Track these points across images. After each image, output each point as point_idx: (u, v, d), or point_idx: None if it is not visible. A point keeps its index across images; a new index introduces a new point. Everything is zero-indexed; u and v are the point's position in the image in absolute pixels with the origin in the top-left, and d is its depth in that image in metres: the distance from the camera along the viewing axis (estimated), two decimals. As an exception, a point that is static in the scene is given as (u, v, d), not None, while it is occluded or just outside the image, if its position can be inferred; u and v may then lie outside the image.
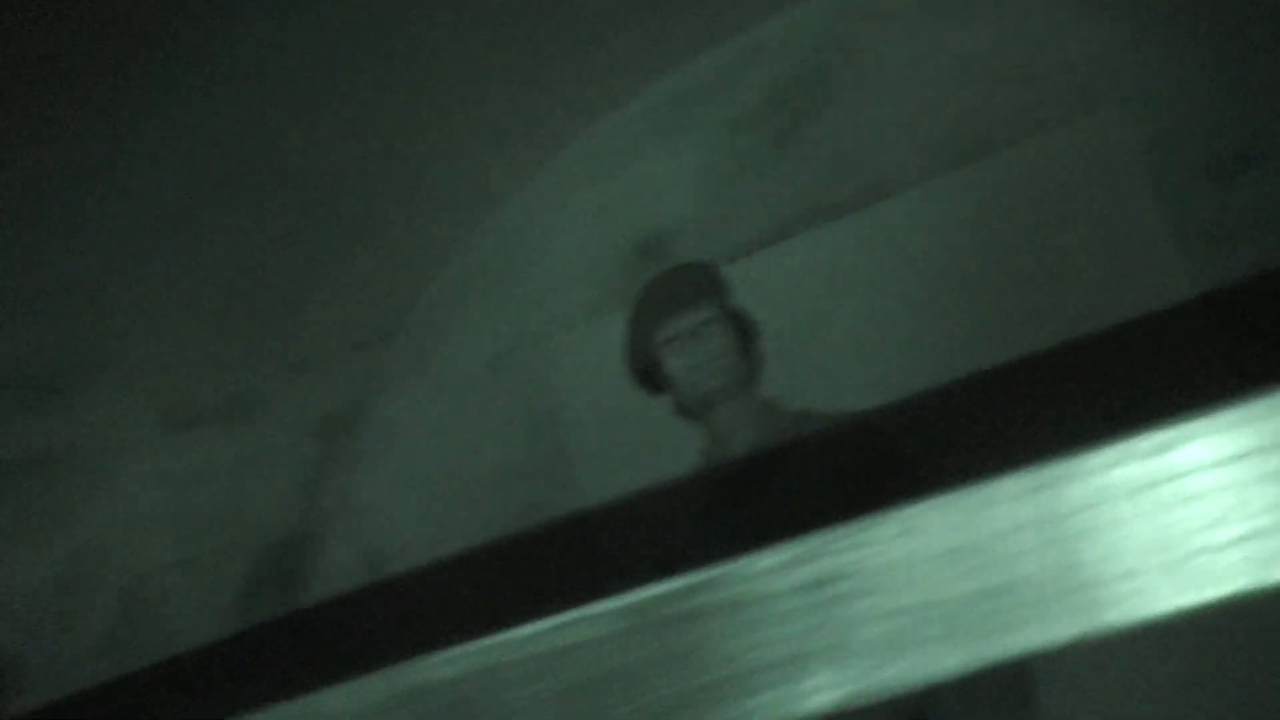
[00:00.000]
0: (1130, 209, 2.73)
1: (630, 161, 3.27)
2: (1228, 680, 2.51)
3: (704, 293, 2.47)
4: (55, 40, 1.81)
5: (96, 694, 2.66)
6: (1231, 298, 2.57)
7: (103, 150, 2.19)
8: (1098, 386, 2.52)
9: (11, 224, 2.17)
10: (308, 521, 3.41)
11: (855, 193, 3.02)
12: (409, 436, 3.50)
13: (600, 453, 3.25)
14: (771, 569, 0.49)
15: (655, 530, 2.49)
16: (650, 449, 3.04)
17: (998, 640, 0.45)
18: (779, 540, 0.49)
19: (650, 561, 2.48)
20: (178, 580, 3.02)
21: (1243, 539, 0.44)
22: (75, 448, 2.71)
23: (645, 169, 3.26)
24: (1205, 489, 0.44)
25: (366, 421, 3.48)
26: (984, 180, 2.85)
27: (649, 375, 2.53)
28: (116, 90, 2.05)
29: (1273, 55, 2.64)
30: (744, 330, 2.51)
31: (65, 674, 2.73)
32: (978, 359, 2.73)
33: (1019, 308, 2.77)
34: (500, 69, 2.74)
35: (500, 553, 3.24)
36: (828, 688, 0.48)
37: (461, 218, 3.33)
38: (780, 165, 3.12)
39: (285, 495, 3.31)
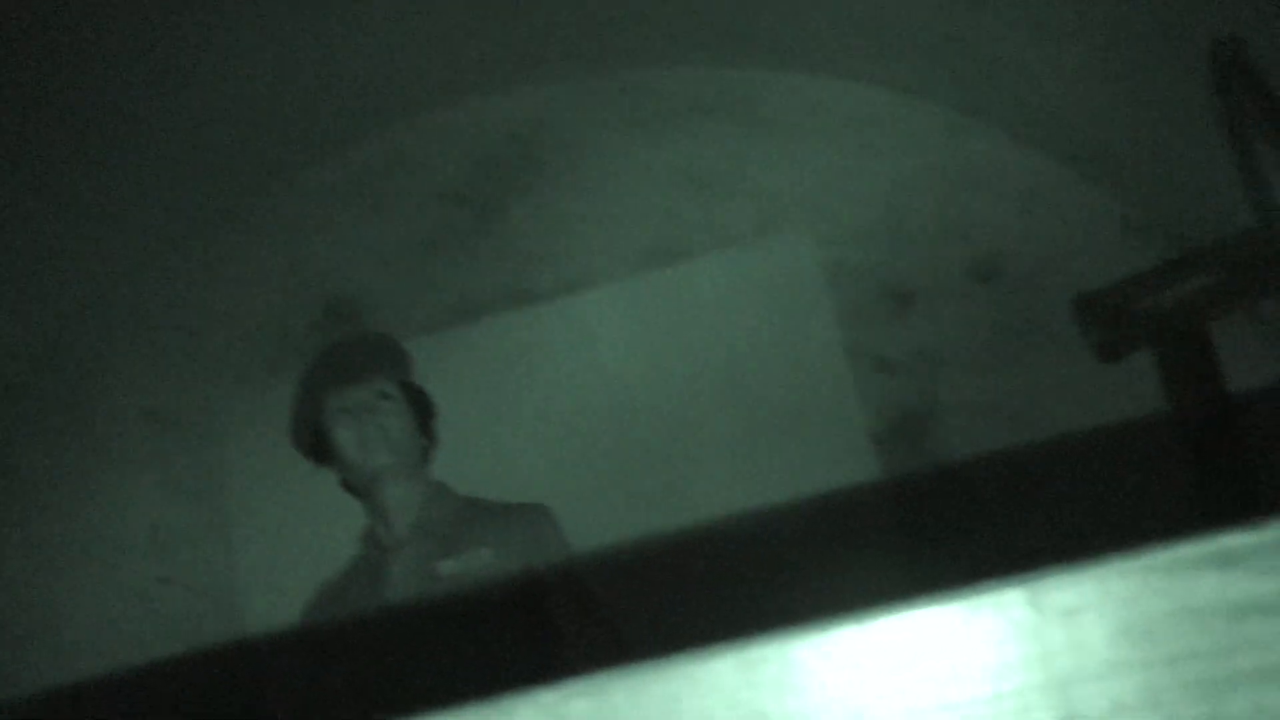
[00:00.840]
0: (809, 329, 2.85)
1: (328, 222, 3.17)
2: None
3: (383, 365, 2.38)
4: None
5: None
6: (915, 495, 2.70)
7: None
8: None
9: None
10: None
11: (550, 282, 3.03)
12: (53, 490, 3.20)
13: (261, 520, 3.07)
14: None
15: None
16: (314, 521, 2.90)
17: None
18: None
19: None
20: None
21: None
22: None
23: (345, 231, 3.16)
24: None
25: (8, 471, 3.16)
26: (673, 286, 2.92)
27: (316, 443, 2.40)
28: None
29: (941, 205, 2.84)
30: (421, 408, 2.43)
31: None
32: (655, 466, 2.78)
33: (696, 418, 2.83)
34: (196, 112, 2.60)
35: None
36: None
37: (138, 259, 3.12)
38: (481, 244, 3.09)
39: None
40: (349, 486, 2.37)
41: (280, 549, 2.99)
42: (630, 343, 2.93)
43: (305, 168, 3.12)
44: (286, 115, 2.88)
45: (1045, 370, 2.70)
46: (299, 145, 3.00)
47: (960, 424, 2.78)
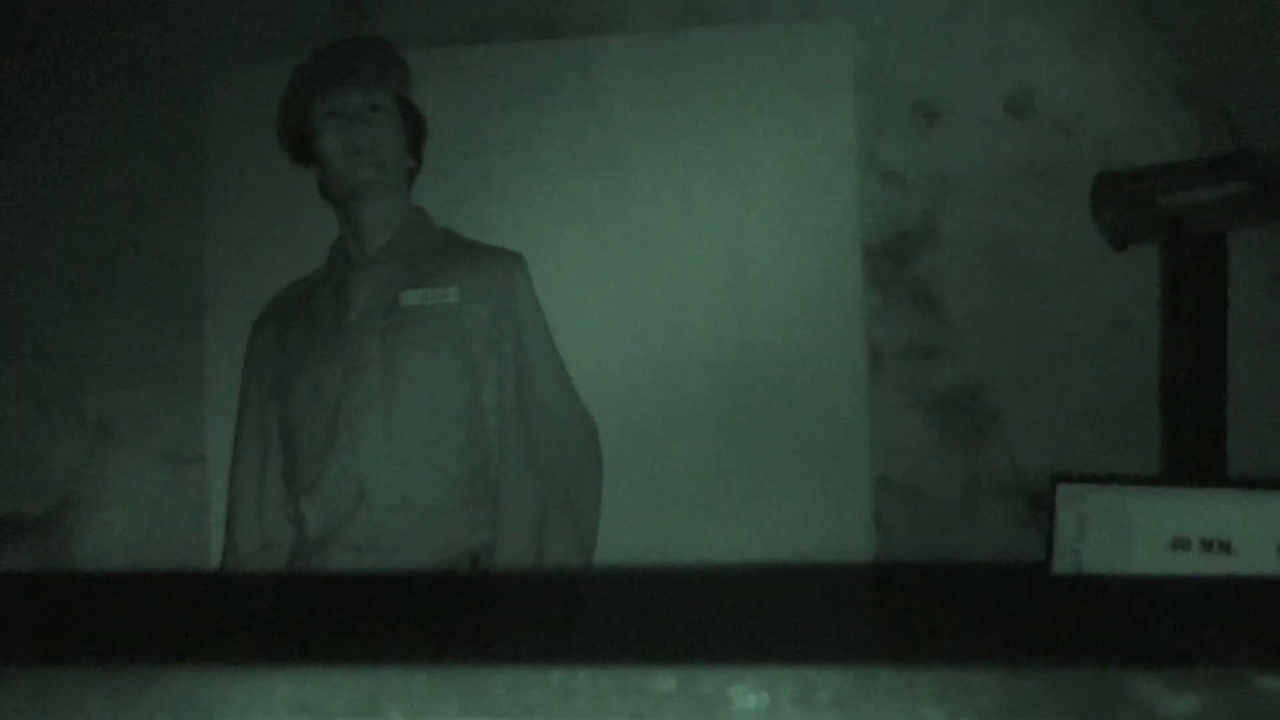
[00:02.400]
0: (827, 126, 2.75)
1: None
2: None
3: (380, 74, 2.27)
4: None
5: None
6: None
7: None
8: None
9: None
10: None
11: (578, 20, 2.87)
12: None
13: (238, 200, 3.00)
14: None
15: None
16: (289, 218, 2.85)
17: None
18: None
19: None
20: None
21: None
22: None
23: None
24: None
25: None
26: (696, 49, 2.80)
27: (300, 143, 2.33)
28: None
29: (993, 27, 2.69)
30: (413, 126, 2.34)
31: None
32: (634, 232, 2.71)
33: (685, 193, 2.77)
34: None
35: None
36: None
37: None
38: (509, -39, 2.90)
39: None
40: (327, 193, 2.31)
41: (253, 235, 2.95)
42: (643, 99, 2.81)
43: None
44: None
45: (1051, 216, 2.64)
46: None
47: (951, 257, 2.73)
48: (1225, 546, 1.66)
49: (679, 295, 2.75)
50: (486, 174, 2.83)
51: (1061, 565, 1.74)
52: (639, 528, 2.62)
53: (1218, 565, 1.66)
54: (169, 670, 0.50)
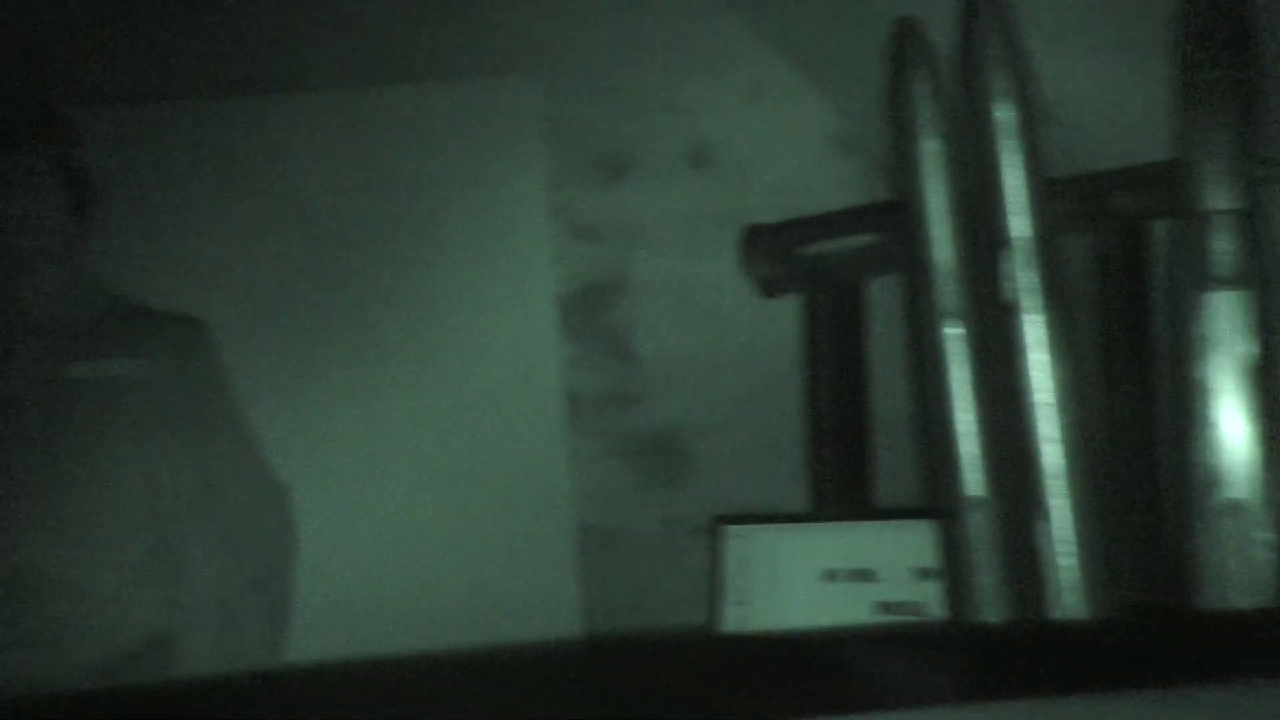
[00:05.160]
0: (517, 181, 2.81)
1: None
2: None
3: (34, 136, 2.17)
4: None
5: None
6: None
7: None
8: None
9: None
10: None
11: (267, 75, 2.82)
12: None
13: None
14: None
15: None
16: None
17: None
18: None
19: None
20: None
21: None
22: None
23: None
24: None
25: None
26: (385, 105, 2.82)
27: (-55, 212, 2.19)
28: None
29: (670, 82, 2.81)
30: (78, 189, 2.23)
31: None
32: (324, 286, 2.71)
33: (376, 246, 2.78)
34: None
35: None
36: None
37: None
38: (202, 20, 2.83)
39: None
40: (-18, 268, 2.19)
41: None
42: (332, 157, 2.79)
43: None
44: None
45: (735, 261, 2.75)
46: None
47: (643, 304, 2.82)
48: (869, 575, 1.77)
49: (368, 354, 2.73)
50: (166, 238, 2.73)
51: (726, 601, 1.81)
52: (335, 597, 2.57)
53: (863, 594, 1.77)
54: None
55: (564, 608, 2.71)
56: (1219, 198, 1.22)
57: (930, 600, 1.68)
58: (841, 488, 1.98)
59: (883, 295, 2.15)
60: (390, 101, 2.81)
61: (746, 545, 1.82)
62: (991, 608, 1.43)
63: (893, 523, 1.78)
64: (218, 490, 2.19)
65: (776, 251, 1.98)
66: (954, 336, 1.40)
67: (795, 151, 2.76)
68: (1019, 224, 1.34)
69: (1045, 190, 1.38)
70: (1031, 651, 1.40)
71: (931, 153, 1.39)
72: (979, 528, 1.41)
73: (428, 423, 2.75)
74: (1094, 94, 1.87)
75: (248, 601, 2.18)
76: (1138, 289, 1.64)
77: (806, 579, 1.77)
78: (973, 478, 1.42)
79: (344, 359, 2.75)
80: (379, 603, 2.64)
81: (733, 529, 1.84)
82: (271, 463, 2.26)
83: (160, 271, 2.65)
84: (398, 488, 2.72)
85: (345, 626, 2.56)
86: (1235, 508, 1.22)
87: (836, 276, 1.94)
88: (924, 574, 1.70)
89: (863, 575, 1.75)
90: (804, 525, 1.85)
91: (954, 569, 1.51)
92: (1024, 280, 1.33)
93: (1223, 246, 1.20)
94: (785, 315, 2.68)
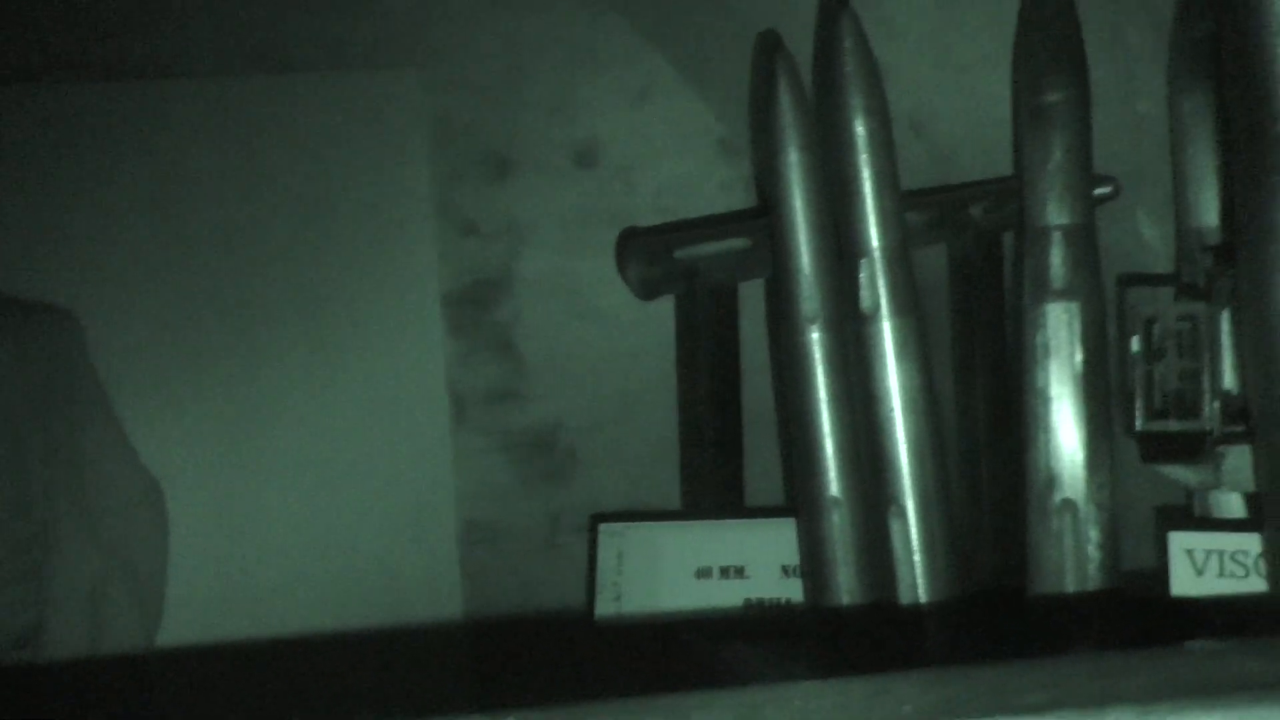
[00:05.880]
0: (402, 176, 2.79)
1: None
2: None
3: None
4: None
5: None
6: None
7: None
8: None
9: None
10: None
11: (139, 61, 2.76)
12: None
13: None
14: None
15: None
16: None
17: None
18: None
19: None
20: None
21: None
22: None
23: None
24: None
25: None
26: (268, 95, 2.78)
27: None
28: None
29: (558, 82, 2.82)
30: None
31: None
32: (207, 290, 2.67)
33: (264, 243, 2.74)
34: None
35: None
36: None
37: None
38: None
39: None
40: None
41: None
42: (212, 145, 2.73)
43: None
44: None
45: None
46: None
47: (528, 302, 2.83)
48: (740, 572, 1.81)
49: (248, 348, 2.70)
50: (38, 223, 2.66)
51: (602, 598, 1.84)
52: (215, 589, 2.54)
53: (735, 590, 1.81)
54: None
55: (447, 601, 2.72)
56: (1055, 214, 1.28)
57: (798, 595, 1.73)
58: (715, 486, 2.02)
59: (757, 298, 2.21)
60: (273, 91, 2.76)
61: (621, 543, 1.85)
62: (847, 596, 1.48)
63: (763, 520, 1.82)
64: (87, 483, 2.16)
65: (651, 254, 2.01)
66: (815, 342, 1.44)
67: (681, 153, 2.80)
68: (875, 235, 1.39)
69: (902, 202, 1.43)
70: (880, 633, 1.46)
71: (795, 164, 1.43)
72: (836, 526, 1.46)
73: (311, 417, 2.72)
74: (960, 107, 1.93)
75: (116, 596, 2.16)
76: (994, 297, 1.71)
77: (680, 575, 1.81)
78: (832, 478, 1.46)
79: (224, 353, 2.71)
80: (262, 594, 2.62)
81: (607, 527, 1.87)
82: (141, 456, 2.23)
83: (26, 260, 2.59)
84: (280, 482, 2.70)
85: (225, 616, 2.54)
86: (1069, 507, 1.29)
87: (710, 279, 1.97)
88: (793, 571, 1.75)
89: (734, 572, 1.79)
90: (678, 523, 1.88)
91: (813, 563, 1.55)
92: (880, 289, 1.38)
93: (1058, 260, 1.26)
94: (668, 315, 2.72)
